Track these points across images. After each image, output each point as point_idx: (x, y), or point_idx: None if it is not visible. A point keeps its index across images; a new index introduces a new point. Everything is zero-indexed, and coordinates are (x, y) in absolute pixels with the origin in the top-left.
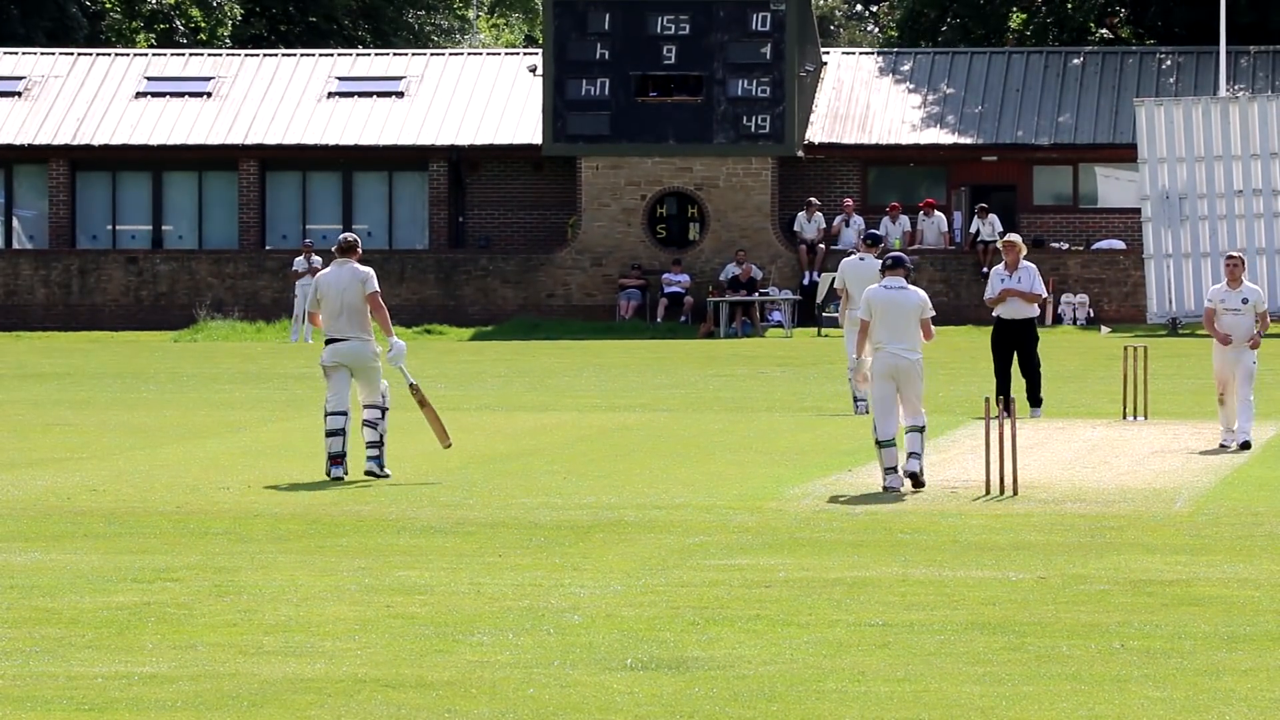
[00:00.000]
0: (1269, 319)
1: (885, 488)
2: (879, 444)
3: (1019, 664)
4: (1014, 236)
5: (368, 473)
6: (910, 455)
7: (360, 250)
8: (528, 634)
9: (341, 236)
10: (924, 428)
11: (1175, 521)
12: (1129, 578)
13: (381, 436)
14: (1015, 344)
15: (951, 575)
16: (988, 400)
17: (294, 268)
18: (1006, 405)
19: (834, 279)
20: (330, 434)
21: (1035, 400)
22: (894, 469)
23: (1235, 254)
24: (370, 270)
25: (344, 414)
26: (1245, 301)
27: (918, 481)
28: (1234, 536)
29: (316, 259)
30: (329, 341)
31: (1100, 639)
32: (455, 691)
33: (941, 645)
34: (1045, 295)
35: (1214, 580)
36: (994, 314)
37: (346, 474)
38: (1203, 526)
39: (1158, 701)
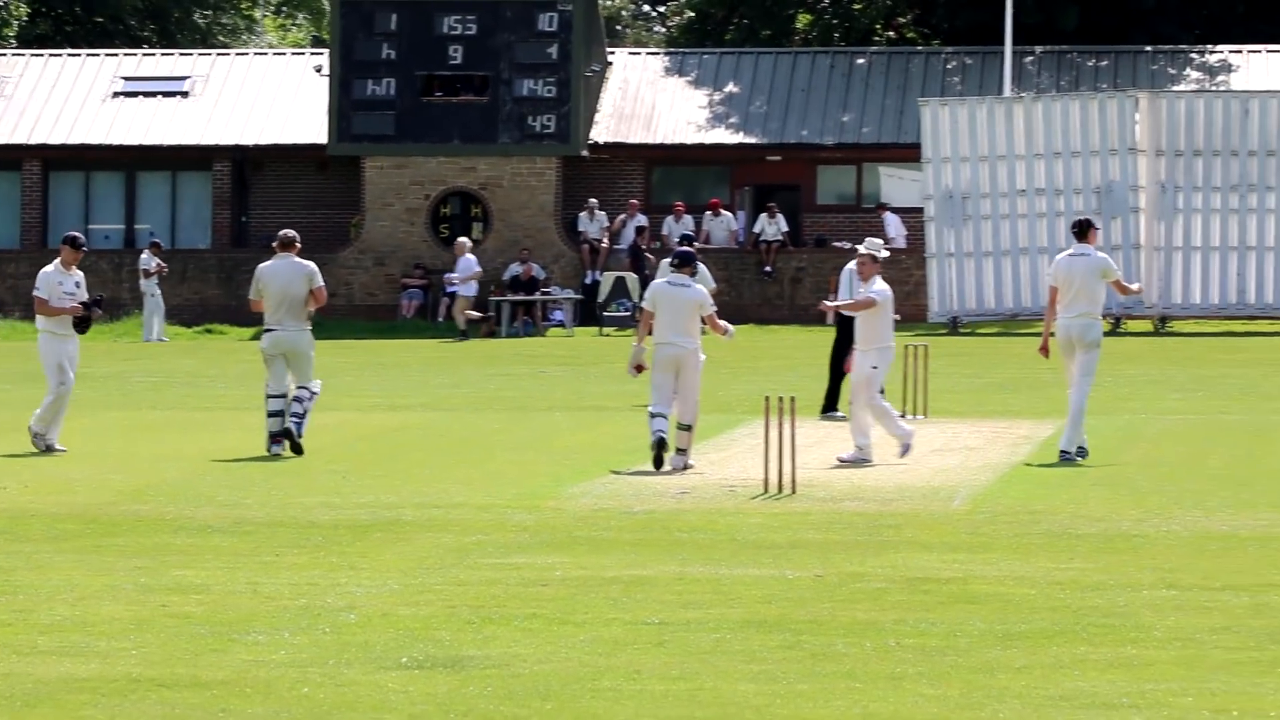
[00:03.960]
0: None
1: (654, 446)
2: (651, 415)
3: (795, 662)
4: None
5: (285, 431)
6: (678, 451)
7: (299, 245)
8: (303, 633)
9: (282, 232)
10: (692, 427)
11: (953, 519)
12: (905, 576)
13: (306, 411)
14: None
15: (729, 573)
16: (767, 399)
17: (141, 265)
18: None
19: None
20: (271, 415)
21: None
22: (659, 431)
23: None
24: (314, 265)
25: (282, 396)
26: None
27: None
28: (1011, 534)
29: (156, 260)
30: (268, 331)
31: (876, 637)
32: (230, 691)
33: (718, 643)
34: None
35: (990, 578)
36: (830, 321)
37: (284, 449)
38: (980, 524)
39: (932, 699)
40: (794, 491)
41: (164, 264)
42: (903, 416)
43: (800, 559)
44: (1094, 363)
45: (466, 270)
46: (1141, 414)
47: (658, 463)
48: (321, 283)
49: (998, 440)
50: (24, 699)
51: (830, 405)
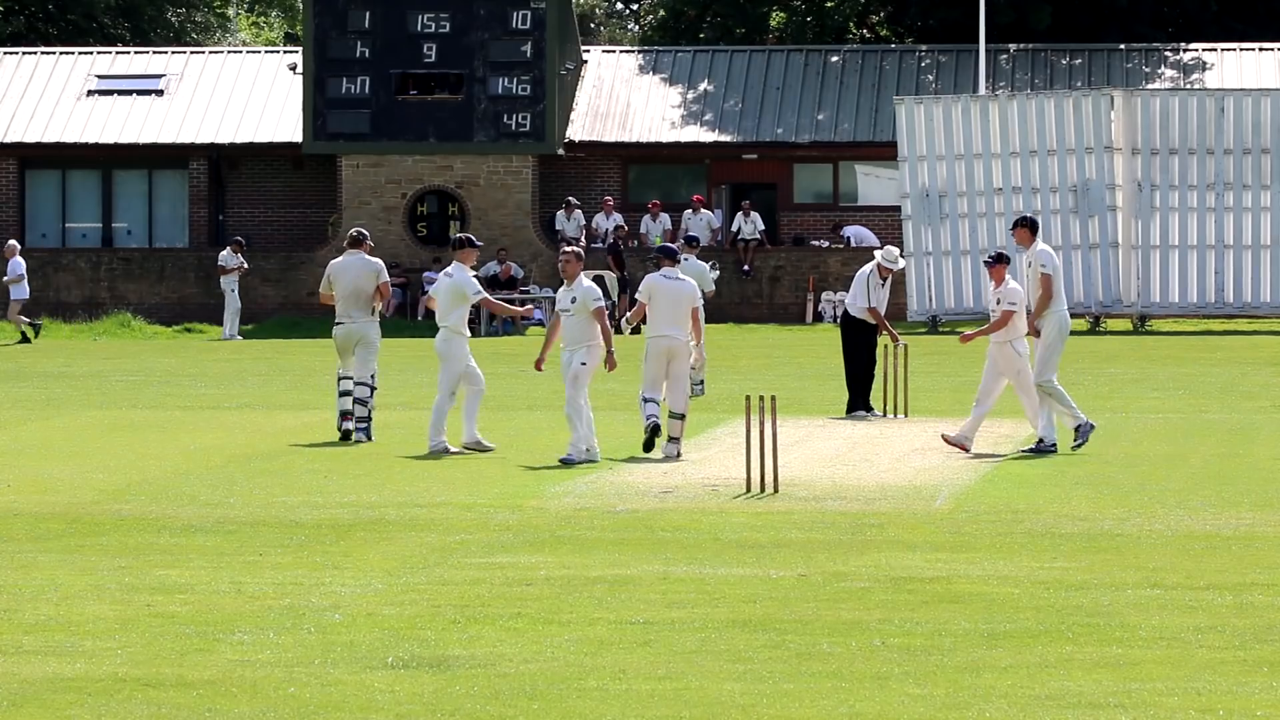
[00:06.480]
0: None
1: (648, 430)
2: (643, 399)
3: (780, 661)
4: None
5: (355, 439)
6: (670, 439)
7: (369, 242)
8: (289, 633)
9: (352, 230)
10: (684, 415)
11: (935, 519)
12: (889, 575)
13: (370, 412)
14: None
15: (713, 573)
16: (749, 398)
17: (221, 262)
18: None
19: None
20: (341, 394)
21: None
22: (652, 417)
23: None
24: (381, 262)
25: (350, 378)
26: (999, 302)
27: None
28: (994, 534)
29: (238, 258)
30: (339, 324)
31: (861, 636)
32: (216, 690)
33: (703, 643)
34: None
35: (974, 577)
36: (857, 317)
37: (352, 432)
38: (963, 524)
39: (918, 699)
40: (776, 491)
41: (245, 263)
42: (884, 416)
43: (784, 558)
44: None
45: (15, 272)
46: (1122, 413)
47: (648, 446)
48: (387, 278)
49: (979, 439)
50: (10, 699)
51: (855, 404)
